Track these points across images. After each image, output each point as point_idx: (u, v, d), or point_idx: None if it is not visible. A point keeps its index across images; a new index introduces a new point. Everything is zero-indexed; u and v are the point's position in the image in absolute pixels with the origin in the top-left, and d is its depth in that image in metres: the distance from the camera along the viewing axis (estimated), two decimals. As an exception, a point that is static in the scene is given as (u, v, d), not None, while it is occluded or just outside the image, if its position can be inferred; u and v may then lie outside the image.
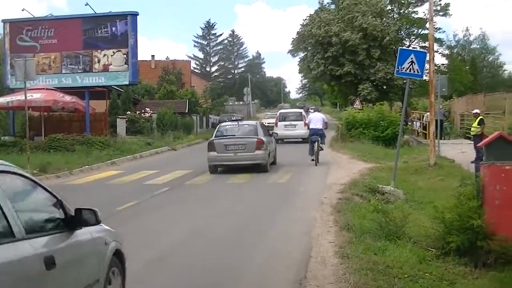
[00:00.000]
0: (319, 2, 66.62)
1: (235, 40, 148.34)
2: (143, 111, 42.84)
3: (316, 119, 24.89)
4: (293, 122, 36.20)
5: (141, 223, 12.56)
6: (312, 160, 23.66)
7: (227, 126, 24.22)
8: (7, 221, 4.38)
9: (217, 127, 25.44)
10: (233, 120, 27.27)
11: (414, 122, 41.72)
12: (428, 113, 27.74)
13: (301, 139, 31.56)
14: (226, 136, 22.74)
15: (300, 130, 34.22)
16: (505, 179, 9.06)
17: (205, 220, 12.86)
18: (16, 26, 34.00)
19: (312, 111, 39.10)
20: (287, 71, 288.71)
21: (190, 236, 11.16)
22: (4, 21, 34.30)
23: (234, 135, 22.72)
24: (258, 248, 10.13)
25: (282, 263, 9.09)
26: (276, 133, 28.11)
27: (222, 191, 17.63)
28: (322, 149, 24.36)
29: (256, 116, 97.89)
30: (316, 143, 23.59)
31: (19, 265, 4.32)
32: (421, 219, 11.48)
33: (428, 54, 19.95)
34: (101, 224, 6.07)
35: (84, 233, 5.66)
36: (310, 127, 24.82)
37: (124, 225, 12.37)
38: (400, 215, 10.53)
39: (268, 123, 40.48)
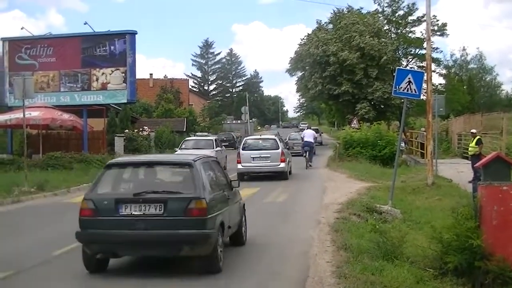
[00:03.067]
0: (317, 22, 66.97)
1: (233, 59, 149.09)
2: (141, 129, 42.95)
3: (309, 134, 33.99)
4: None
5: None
6: (305, 160, 32.01)
7: (293, 134, 49.78)
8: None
9: (288, 135, 50.30)
10: (301, 129, 52.39)
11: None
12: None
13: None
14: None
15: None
16: (503, 200, 9.06)
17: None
18: (15, 44, 34.12)
19: (306, 127, 53.23)
20: (285, 90, 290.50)
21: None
22: (3, 40, 34.43)
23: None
24: (255, 268, 10.09)
25: (280, 282, 9.06)
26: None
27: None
28: (311, 162, 32.29)
29: (254, 135, 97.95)
30: (307, 152, 32.17)
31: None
32: (419, 239, 11.45)
33: (425, 74, 20.03)
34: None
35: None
36: (304, 140, 33.67)
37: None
38: (397, 235, 10.52)
39: None
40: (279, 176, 25.36)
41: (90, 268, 9.64)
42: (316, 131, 51.59)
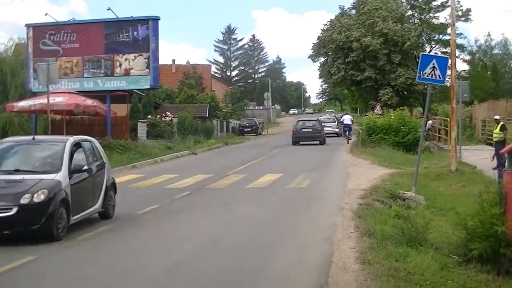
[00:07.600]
0: (339, 7, 66.62)
1: (255, 45, 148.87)
2: (163, 115, 43.04)
3: (347, 118, 48.64)
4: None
5: (160, 228, 12.57)
6: (345, 138, 44.44)
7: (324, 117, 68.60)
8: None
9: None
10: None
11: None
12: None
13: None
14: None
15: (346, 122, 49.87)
16: (528, 186, 8.97)
17: (225, 225, 12.87)
18: (39, 30, 34.27)
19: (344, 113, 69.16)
20: (307, 75, 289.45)
21: (209, 242, 11.12)
22: (27, 26, 34.59)
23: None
24: (278, 254, 10.11)
25: (303, 268, 9.07)
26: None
27: (242, 195, 17.58)
28: (351, 138, 43.64)
29: (276, 121, 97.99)
30: (347, 132, 45.64)
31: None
32: (443, 226, 11.41)
33: (450, 60, 19.87)
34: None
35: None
36: (344, 123, 47.86)
37: (144, 229, 12.44)
38: (421, 221, 10.46)
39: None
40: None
41: (293, 144, 41.58)
42: (335, 117, 64.68)
